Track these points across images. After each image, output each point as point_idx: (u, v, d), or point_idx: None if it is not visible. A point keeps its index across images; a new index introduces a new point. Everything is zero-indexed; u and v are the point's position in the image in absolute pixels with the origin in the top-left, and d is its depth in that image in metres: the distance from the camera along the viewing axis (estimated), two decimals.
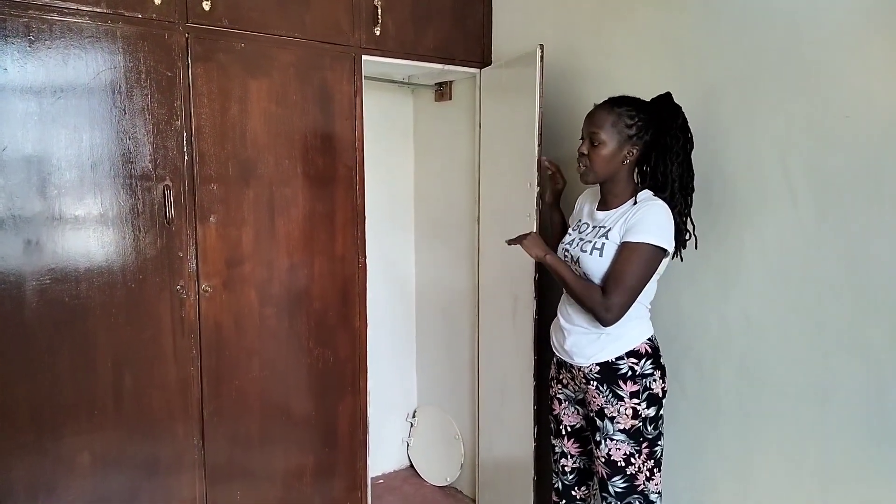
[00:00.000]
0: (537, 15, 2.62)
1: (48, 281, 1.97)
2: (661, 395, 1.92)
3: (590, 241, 1.92)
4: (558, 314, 2.09)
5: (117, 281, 2.07)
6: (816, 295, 1.82)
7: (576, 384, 2.04)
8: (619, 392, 1.90)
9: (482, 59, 2.75)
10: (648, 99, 1.94)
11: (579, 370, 1.98)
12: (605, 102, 1.93)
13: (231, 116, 2.22)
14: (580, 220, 2.07)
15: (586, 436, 2.11)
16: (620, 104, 1.89)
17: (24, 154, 1.91)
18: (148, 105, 2.07)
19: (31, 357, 1.96)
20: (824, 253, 1.79)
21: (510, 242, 2.07)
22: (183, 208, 2.16)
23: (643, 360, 1.90)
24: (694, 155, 2.08)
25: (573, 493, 2.17)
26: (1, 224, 1.89)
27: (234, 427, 2.33)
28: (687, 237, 1.93)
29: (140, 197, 2.08)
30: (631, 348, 1.90)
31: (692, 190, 1.91)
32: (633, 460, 1.91)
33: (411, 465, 3.43)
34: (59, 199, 1.97)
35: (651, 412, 1.90)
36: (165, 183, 2.12)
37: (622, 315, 1.85)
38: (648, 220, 1.82)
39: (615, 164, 1.90)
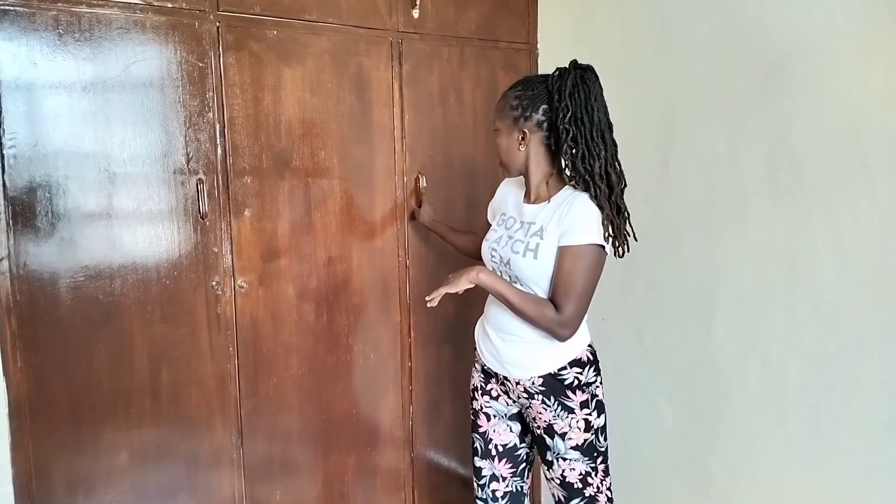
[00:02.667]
0: None
1: (82, 278, 1.94)
2: (603, 401, 1.83)
3: (521, 241, 1.75)
4: (484, 318, 1.93)
5: (152, 277, 2.03)
6: None
7: (511, 398, 1.90)
8: (569, 404, 1.77)
9: (527, 39, 2.61)
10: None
11: (517, 384, 1.83)
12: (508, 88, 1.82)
13: (264, 107, 2.15)
14: (504, 214, 1.90)
15: (520, 454, 1.96)
16: (513, 86, 1.78)
17: (54, 150, 1.88)
18: (179, 97, 2.02)
19: (67, 355, 1.94)
20: None
21: (431, 299, 1.82)
22: (217, 202, 2.11)
23: (586, 369, 1.79)
24: (755, 131, 1.92)
25: None
26: (33, 221, 1.87)
27: (272, 424, 2.28)
28: (610, 236, 1.69)
29: (173, 191, 2.04)
30: (573, 357, 1.78)
31: (606, 176, 1.67)
32: (590, 479, 1.81)
33: None
34: (92, 196, 1.93)
35: (601, 421, 1.81)
36: (199, 177, 2.07)
37: (578, 327, 1.72)
38: (585, 217, 1.66)
39: (514, 152, 1.78)
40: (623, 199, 1.73)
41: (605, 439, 1.84)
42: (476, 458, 2.01)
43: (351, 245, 2.36)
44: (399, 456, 2.56)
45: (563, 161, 1.73)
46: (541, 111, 1.73)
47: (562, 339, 1.71)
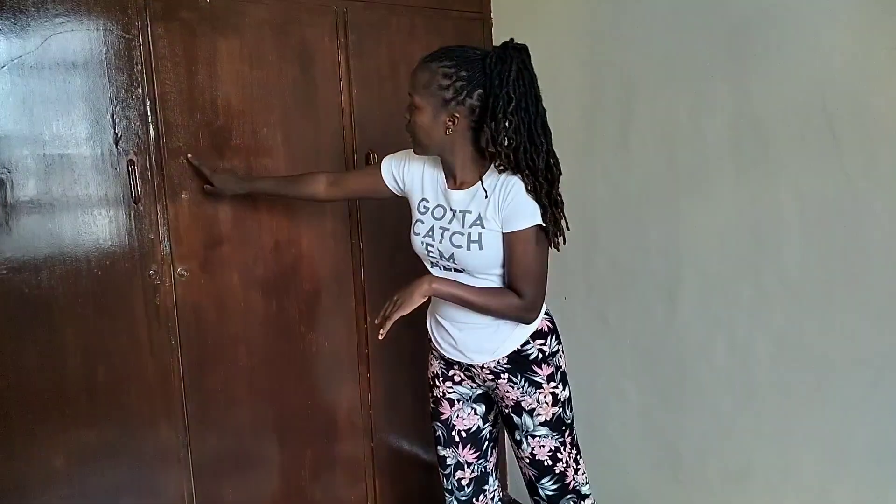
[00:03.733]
0: None
1: (4, 271, 1.79)
2: (566, 371, 1.80)
3: (461, 233, 1.64)
4: (434, 310, 1.84)
5: (82, 268, 1.89)
6: (866, 257, 1.58)
7: (476, 381, 1.84)
8: (536, 378, 1.72)
9: (480, 9, 2.49)
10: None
11: (482, 367, 1.76)
12: (426, 56, 1.60)
13: (199, 81, 2.00)
14: (426, 201, 1.74)
15: (483, 435, 1.90)
16: (439, 58, 1.55)
17: None
18: (105, 72, 1.86)
19: None
20: (875, 207, 1.55)
21: (382, 324, 1.64)
22: (151, 185, 1.96)
23: (548, 339, 1.74)
24: (717, 99, 1.84)
25: None
26: None
27: (222, 420, 2.16)
28: (549, 228, 1.60)
29: (102, 174, 1.89)
30: (534, 329, 1.72)
31: (547, 170, 1.56)
32: (559, 455, 1.77)
33: None
34: (10, 181, 1.77)
35: (567, 392, 1.77)
36: (129, 158, 1.92)
37: (542, 305, 1.69)
38: (526, 201, 1.56)
39: (438, 134, 1.59)
40: (559, 189, 1.62)
41: (571, 410, 1.80)
42: (439, 448, 1.92)
43: (300, 229, 2.24)
44: (358, 446, 2.46)
45: (497, 150, 1.55)
46: (475, 96, 1.55)
47: (529, 322, 1.69)
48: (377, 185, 1.87)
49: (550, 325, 1.77)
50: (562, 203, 1.62)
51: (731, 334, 1.90)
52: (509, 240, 1.61)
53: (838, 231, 1.63)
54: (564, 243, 1.65)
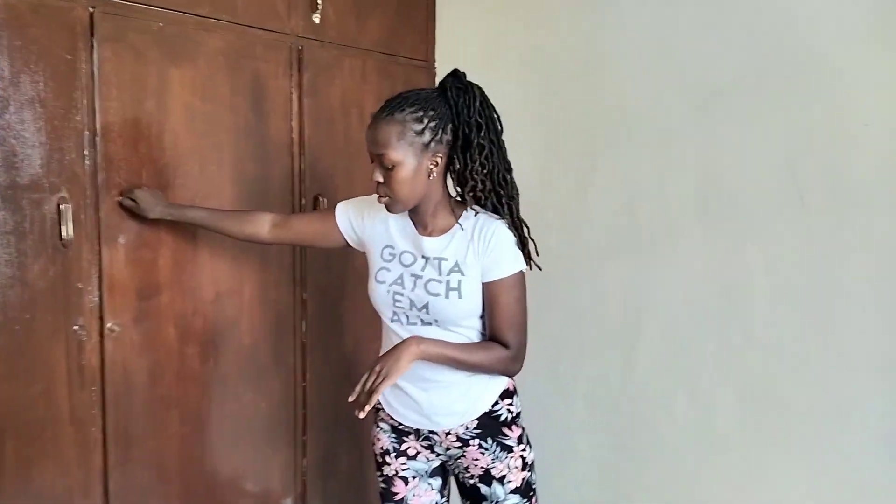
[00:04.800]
0: (488, 11, 2.37)
1: None
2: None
3: (437, 280, 1.54)
4: None
5: None
6: (836, 311, 1.69)
7: (435, 451, 1.69)
8: (507, 441, 1.63)
9: (426, 56, 2.45)
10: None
11: (447, 434, 1.63)
12: (381, 111, 1.52)
13: (147, 112, 1.78)
14: (392, 248, 1.62)
15: None
16: (399, 107, 1.48)
17: None
18: (38, 95, 1.60)
19: None
20: (843, 264, 1.67)
21: (366, 401, 1.46)
22: (83, 226, 1.70)
23: (514, 399, 1.67)
24: (686, 162, 1.92)
25: None
26: None
27: (148, 497, 1.87)
28: (527, 256, 1.59)
29: (26, 212, 1.61)
30: (503, 388, 1.64)
31: (514, 192, 1.58)
32: None
33: None
34: None
35: (532, 455, 1.69)
36: (61, 195, 1.65)
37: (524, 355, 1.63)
38: (506, 245, 1.53)
39: (421, 183, 1.51)
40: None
41: (535, 472, 1.72)
42: None
43: (242, 278, 2.03)
44: None
45: (474, 179, 1.52)
46: (449, 130, 1.51)
47: (514, 373, 1.62)
48: (328, 231, 1.74)
49: (514, 384, 1.69)
50: (526, 225, 1.60)
51: (692, 386, 1.95)
52: (492, 289, 1.54)
53: (806, 289, 1.74)
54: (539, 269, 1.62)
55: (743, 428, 1.87)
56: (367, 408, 1.44)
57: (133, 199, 1.73)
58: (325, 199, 2.14)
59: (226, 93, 1.94)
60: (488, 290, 1.55)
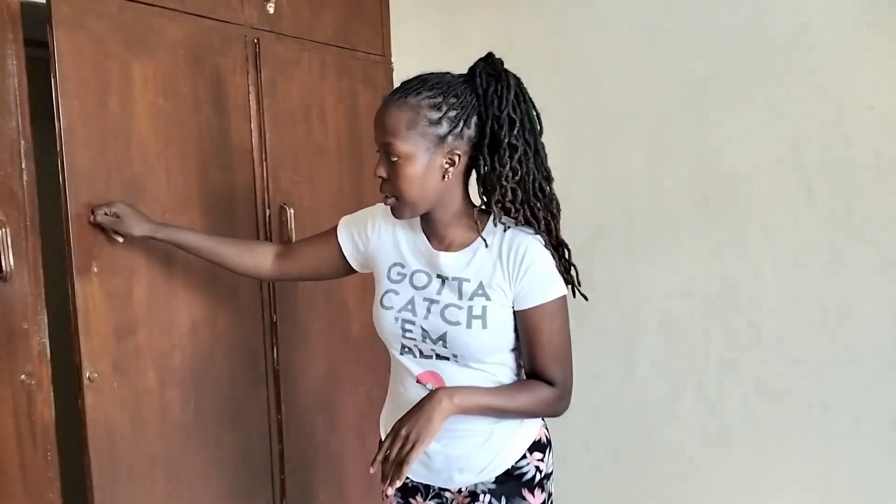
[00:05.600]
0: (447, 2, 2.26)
1: None
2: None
3: (457, 306, 1.27)
4: (398, 414, 1.30)
5: None
6: (844, 304, 1.73)
7: None
8: None
9: (382, 51, 2.30)
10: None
11: (458, 492, 1.36)
12: (393, 93, 1.26)
13: (112, 112, 1.49)
14: (402, 266, 1.35)
15: None
16: (415, 90, 1.23)
17: None
18: None
19: None
20: (850, 255, 1.71)
21: (396, 475, 1.17)
22: (25, 254, 1.37)
23: (546, 454, 1.38)
24: (680, 154, 1.91)
25: None
26: None
27: None
28: (571, 274, 1.34)
29: None
30: (534, 439, 1.36)
31: (549, 201, 1.31)
32: None
33: None
34: None
35: None
36: None
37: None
38: (544, 264, 1.27)
39: (433, 183, 1.24)
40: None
41: None
42: None
43: (216, 304, 1.77)
44: None
45: (503, 186, 1.25)
46: (473, 125, 1.24)
47: (561, 413, 1.34)
48: (332, 256, 1.45)
49: (548, 435, 1.40)
50: (567, 245, 1.35)
51: (698, 383, 1.93)
52: (530, 318, 1.27)
53: (814, 279, 1.76)
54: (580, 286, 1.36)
55: (751, 421, 1.88)
56: (398, 483, 1.16)
57: (115, 215, 1.43)
58: (292, 210, 1.93)
59: (188, 90, 1.68)
60: (525, 319, 1.28)
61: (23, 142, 1.37)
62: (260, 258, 1.51)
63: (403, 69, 2.31)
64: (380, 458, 1.18)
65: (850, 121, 1.70)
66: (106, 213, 1.43)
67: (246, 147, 1.85)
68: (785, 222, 1.80)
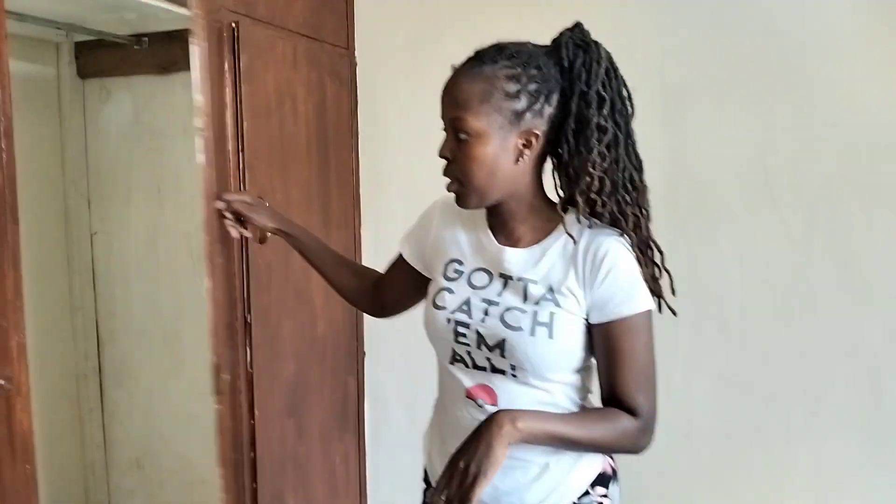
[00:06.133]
0: None
1: None
2: None
3: (520, 310, 1.12)
4: (444, 432, 1.24)
5: None
6: (807, 301, 1.86)
7: None
8: None
9: (347, 44, 2.23)
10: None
11: None
12: (467, 60, 1.12)
13: None
14: (460, 263, 1.22)
15: None
16: (492, 59, 1.09)
17: None
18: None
19: None
20: (813, 257, 1.83)
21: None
22: (3, 240, 1.25)
23: (611, 488, 1.22)
24: (652, 157, 1.98)
25: None
26: None
27: None
28: (658, 277, 1.21)
29: None
30: (599, 472, 1.20)
31: (640, 196, 1.16)
32: None
33: None
34: None
35: None
36: None
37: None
38: (628, 271, 1.12)
39: (506, 168, 1.10)
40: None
41: None
42: None
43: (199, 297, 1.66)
44: None
45: (590, 174, 1.10)
46: (555, 101, 1.09)
47: (643, 450, 1.16)
48: (408, 280, 1.35)
49: (614, 466, 1.24)
50: (659, 248, 1.21)
51: (666, 379, 2.02)
52: (609, 332, 1.12)
53: (779, 280, 1.88)
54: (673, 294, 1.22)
55: (716, 415, 1.97)
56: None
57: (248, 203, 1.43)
58: (268, 203, 1.84)
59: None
60: (604, 334, 1.12)
61: (2, 118, 1.23)
62: (363, 282, 1.48)
63: (372, 66, 2.25)
64: (442, 497, 1.00)
65: (815, 132, 1.81)
66: (237, 202, 1.42)
67: (222, 136, 1.75)
68: (751, 226, 1.90)
